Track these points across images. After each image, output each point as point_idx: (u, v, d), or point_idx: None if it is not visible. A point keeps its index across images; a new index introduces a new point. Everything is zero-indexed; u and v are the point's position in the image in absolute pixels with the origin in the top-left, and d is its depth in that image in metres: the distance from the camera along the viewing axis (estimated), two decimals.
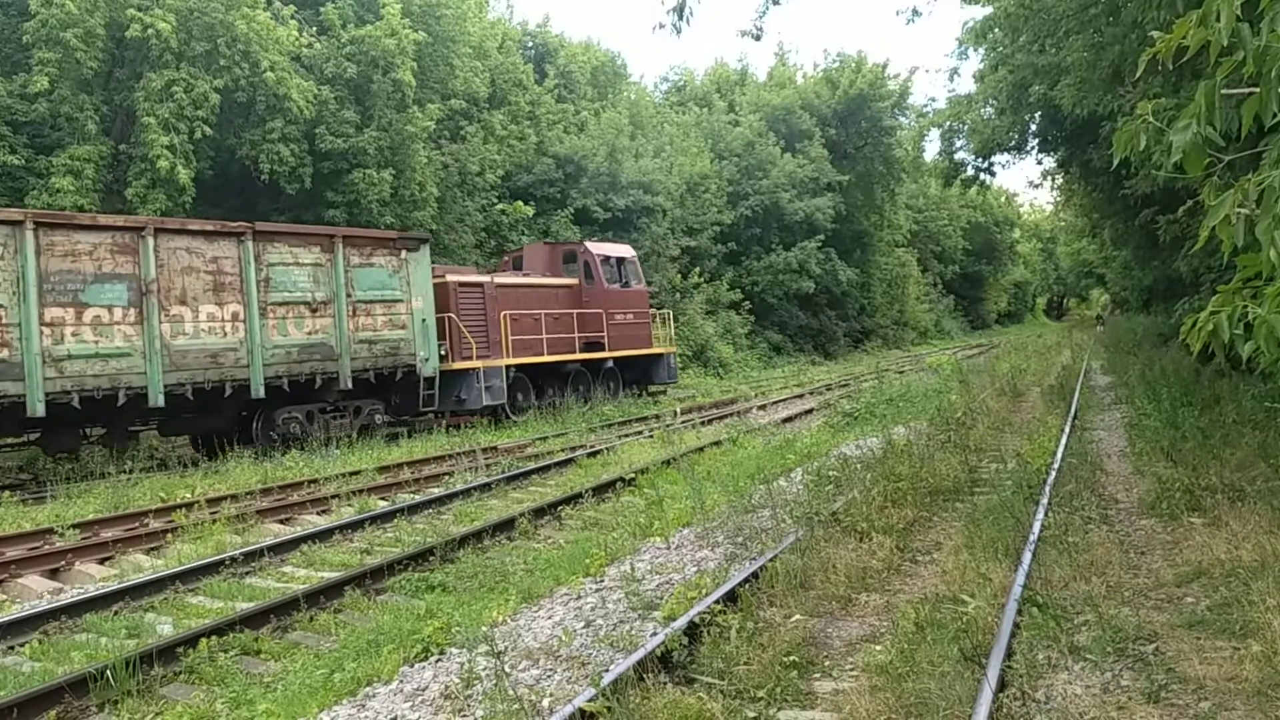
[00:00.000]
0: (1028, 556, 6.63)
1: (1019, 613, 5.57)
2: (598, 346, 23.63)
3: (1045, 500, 8.39)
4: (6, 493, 13.38)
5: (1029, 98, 19.94)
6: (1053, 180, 31.40)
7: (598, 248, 24.46)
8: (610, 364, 23.90)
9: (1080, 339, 43.95)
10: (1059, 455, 10.89)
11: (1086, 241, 48.02)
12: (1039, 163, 28.24)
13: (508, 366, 20.83)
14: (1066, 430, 13.10)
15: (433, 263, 21.30)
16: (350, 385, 17.69)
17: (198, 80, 20.29)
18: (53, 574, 9.43)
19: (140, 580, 8.54)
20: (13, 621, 7.47)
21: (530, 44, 40.90)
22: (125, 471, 14.24)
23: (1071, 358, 30.71)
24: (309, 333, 17.21)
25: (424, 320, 19.02)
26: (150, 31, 19.45)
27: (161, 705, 6.07)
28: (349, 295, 17.83)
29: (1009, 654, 5.04)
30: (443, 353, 19.70)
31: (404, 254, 18.88)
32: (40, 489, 13.95)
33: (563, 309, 23.00)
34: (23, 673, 6.67)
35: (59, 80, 19.32)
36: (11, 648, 7.18)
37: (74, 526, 10.66)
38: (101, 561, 9.81)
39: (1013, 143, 24.29)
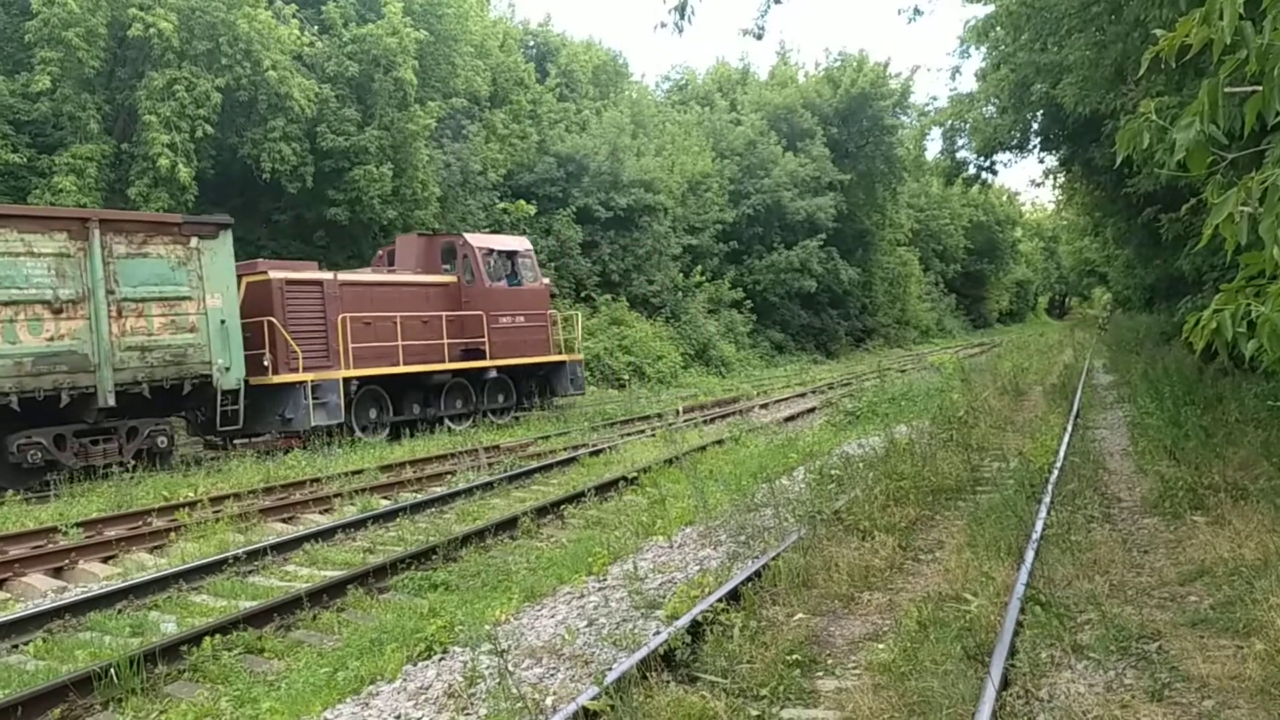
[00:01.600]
0: (1030, 555, 6.64)
1: (1022, 611, 5.57)
2: (478, 354, 20.67)
3: (1048, 499, 8.39)
4: (10, 491, 13.40)
5: (1031, 96, 19.90)
6: (1055, 179, 31.34)
7: (480, 239, 21.59)
8: (494, 374, 20.95)
9: (1082, 338, 43.93)
10: (1061, 454, 10.90)
11: (1088, 240, 47.92)
12: (1041, 161, 28.26)
13: (347, 379, 17.85)
14: (1069, 429, 13.10)
15: (276, 256, 20.09)
16: (112, 401, 14.63)
17: (199, 79, 20.31)
18: (57, 572, 9.44)
19: (144, 579, 8.56)
20: (16, 620, 7.48)
21: (532, 43, 40.92)
22: (129, 470, 14.24)
23: (1074, 356, 30.69)
24: (49, 338, 14.11)
25: (223, 322, 15.97)
26: (152, 30, 19.46)
27: (166, 703, 6.08)
28: (111, 292, 14.69)
29: (1012, 652, 5.05)
30: (266, 364, 16.94)
31: (195, 242, 15.77)
32: (44, 488, 13.96)
33: (434, 311, 20.07)
34: (27, 671, 6.69)
35: (61, 79, 19.34)
36: (15, 646, 7.19)
37: (78, 525, 10.66)
38: (105, 560, 9.83)
39: (1015, 141, 24.24)
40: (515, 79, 34.35)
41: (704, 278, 40.20)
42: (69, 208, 17.77)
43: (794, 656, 5.37)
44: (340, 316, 18.04)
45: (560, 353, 22.82)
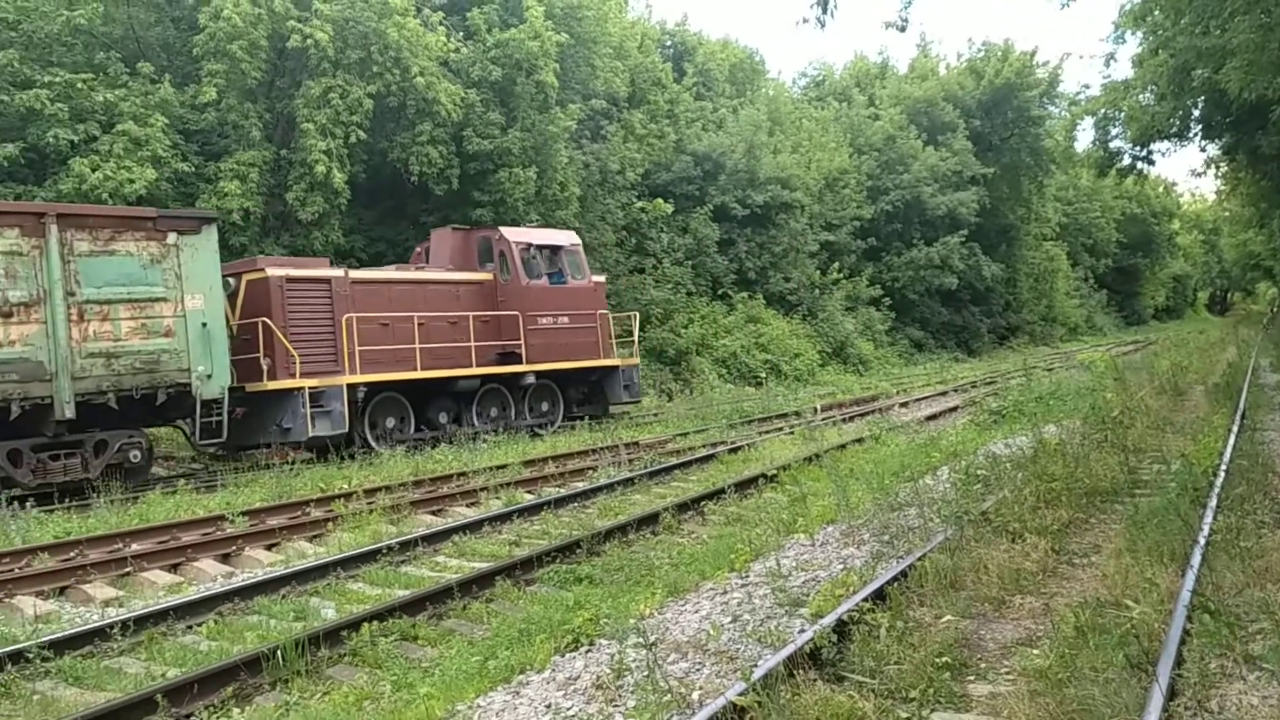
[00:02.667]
0: (1196, 560, 6.35)
1: (1188, 619, 5.34)
2: (515, 358, 19.16)
3: (1213, 503, 8.01)
4: (182, 481, 14.22)
5: (1191, 82, 19.06)
6: (1216, 168, 29.94)
7: (517, 233, 19.88)
8: (532, 380, 19.28)
9: (1246, 335, 41.65)
10: (1227, 456, 10.38)
11: (1253, 232, 45.58)
12: (1202, 150, 27.10)
13: (352, 385, 16.37)
14: (1234, 430, 12.45)
15: (292, 252, 19.43)
16: (71, 413, 13.30)
17: (352, 87, 21.10)
18: (225, 558, 9.97)
19: (305, 566, 8.99)
20: (191, 602, 7.95)
21: (669, 43, 41.08)
22: (288, 463, 14.91)
23: (1237, 354, 29.11)
24: None
25: (205, 325, 14.55)
26: (309, 41, 20.33)
27: (328, 685, 6.37)
28: (71, 294, 13.44)
29: (1179, 661, 4.85)
30: (265, 368, 15.86)
31: (172, 238, 14.36)
32: (211, 478, 14.75)
33: (466, 311, 18.58)
34: (200, 651, 7.09)
35: (226, 90, 20.37)
36: (190, 627, 7.63)
37: (243, 514, 11.23)
38: (268, 547, 10.33)
39: (1173, 130, 23.28)
40: (653, 79, 34.55)
41: (841, 275, 39.69)
42: (22, 202, 16.43)
43: (943, 659, 5.27)
44: (345, 317, 16.72)
45: (613, 357, 21.12)
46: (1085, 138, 56.84)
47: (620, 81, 29.45)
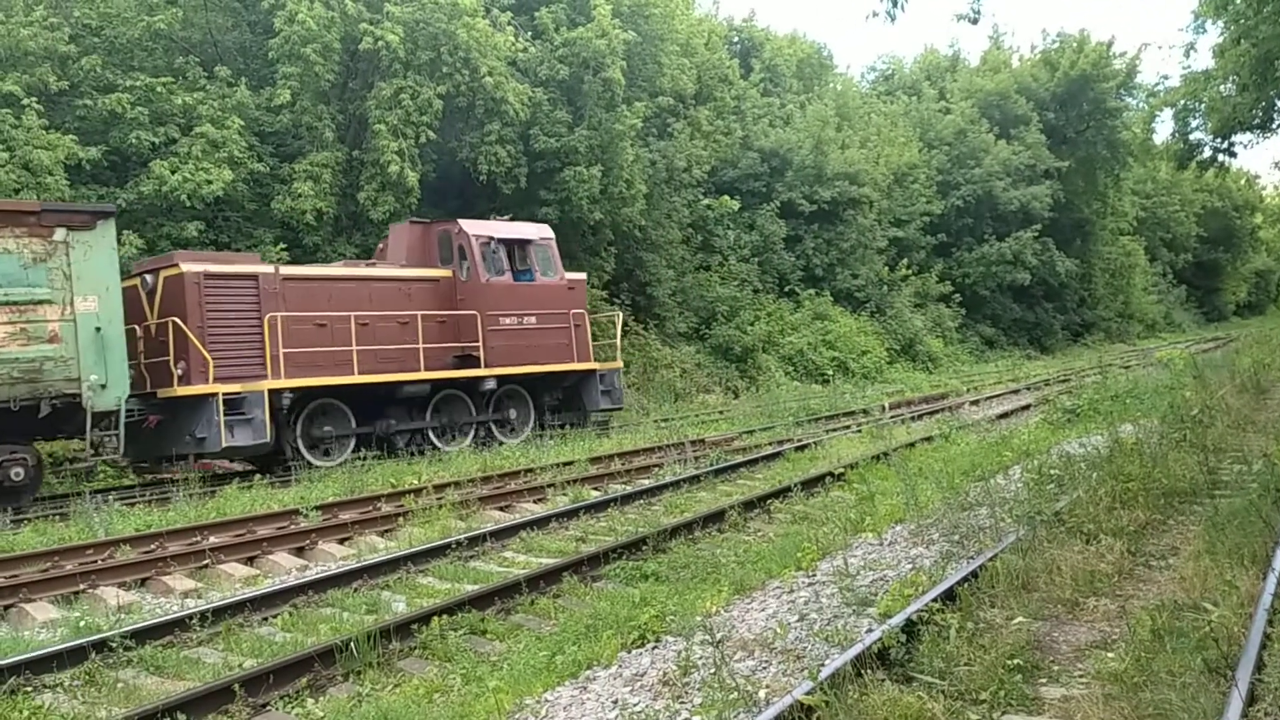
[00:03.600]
0: (1278, 563, 6.18)
1: (1269, 623, 5.20)
2: (474, 361, 17.68)
3: None
4: (258, 475, 14.54)
5: (1275, 72, 18.52)
6: None
7: (478, 226, 18.28)
8: (492, 384, 17.72)
9: None
10: None
11: None
12: None
13: (276, 391, 15.05)
14: None
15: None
16: None
17: (423, 87, 21.37)
18: (299, 551, 10.18)
19: (376, 560, 9.13)
20: (267, 595, 8.13)
21: (736, 39, 40.97)
22: (360, 458, 15.15)
23: None
24: None
25: (98, 329, 13.07)
26: (380, 43, 20.64)
27: (399, 678, 6.47)
28: None
29: (1259, 666, 4.72)
30: (179, 372, 14.48)
31: (61, 234, 12.91)
32: (286, 473, 15.06)
33: (419, 310, 17.17)
34: (276, 642, 7.25)
35: (300, 92, 20.77)
36: (265, 619, 7.80)
37: (316, 508, 11.45)
38: (341, 541, 10.52)
39: (1256, 120, 22.63)
40: (719, 76, 34.46)
41: (910, 271, 39.24)
42: None
43: (1015, 661, 5.19)
44: (270, 316, 15.40)
45: (591, 360, 19.49)
46: (1164, 130, 55.49)
47: (687, 78, 29.42)
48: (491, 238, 18.05)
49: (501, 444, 17.53)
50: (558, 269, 19.18)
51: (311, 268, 17.90)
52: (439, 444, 17.08)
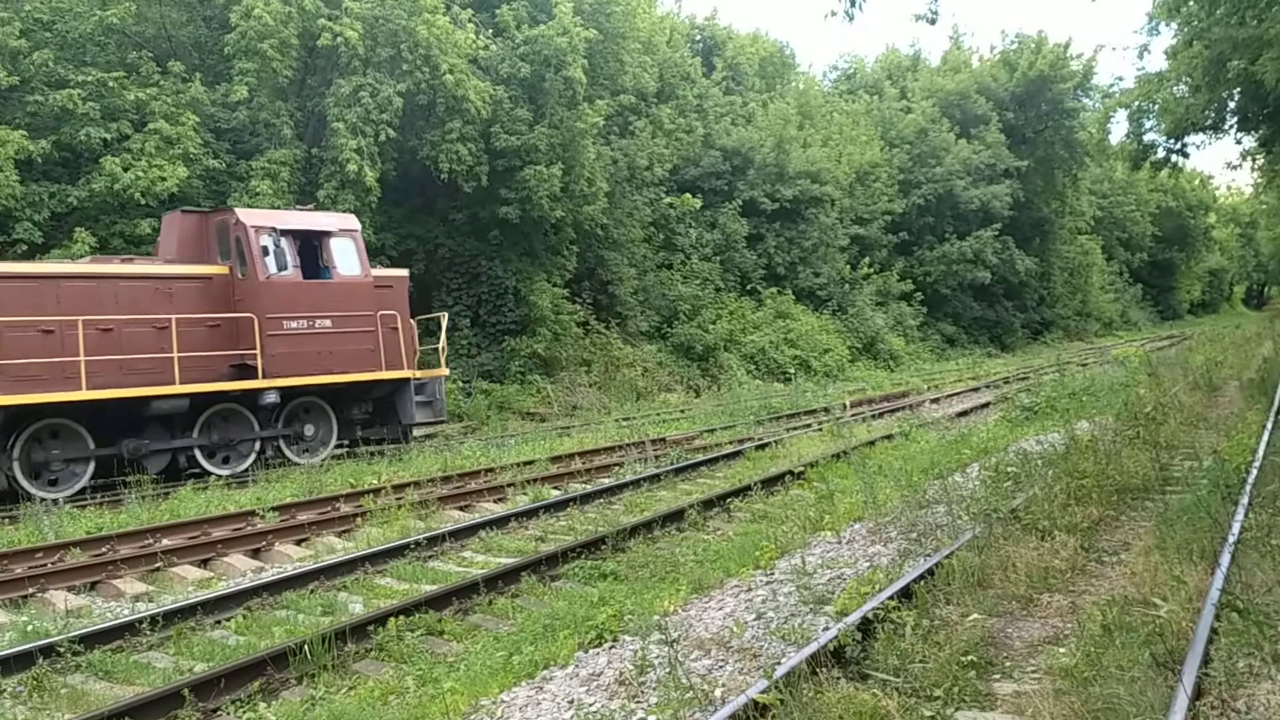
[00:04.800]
0: (1226, 559, 6.27)
1: (1216, 618, 5.28)
2: (252, 371, 15.30)
3: (1245, 500, 7.90)
4: (214, 476, 14.36)
5: (1227, 73, 18.79)
6: (1253, 161, 29.53)
7: (257, 216, 15.85)
8: (273, 397, 15.27)
9: None
10: (1260, 453, 10.23)
11: None
12: (1238, 142, 26.71)
13: None
14: (1269, 427, 12.27)
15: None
16: None
17: (382, 85, 21.19)
18: (255, 553, 10.05)
19: (333, 561, 9.04)
20: (220, 597, 8.02)
21: (698, 37, 41.01)
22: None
23: (1274, 350, 28.69)
24: None
25: None
26: (339, 40, 20.44)
27: (355, 680, 6.41)
28: None
29: (1206, 660, 4.79)
30: None
31: None
32: (243, 474, 14.88)
33: (187, 312, 14.81)
34: (229, 645, 7.16)
35: (257, 89, 20.53)
36: (219, 622, 7.70)
37: (273, 509, 11.32)
38: (298, 543, 10.41)
39: (1209, 122, 22.99)
40: (682, 74, 34.50)
41: (872, 270, 39.52)
42: None
43: (969, 658, 5.24)
44: None
45: (406, 367, 17.02)
46: (1119, 130, 56.15)
47: (649, 77, 29.41)
48: (274, 228, 15.53)
49: (296, 464, 15.40)
50: (362, 264, 16.55)
51: (35, 264, 15.63)
52: (209, 466, 14.83)
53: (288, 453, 15.83)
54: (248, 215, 15.58)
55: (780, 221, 35.81)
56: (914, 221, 43.51)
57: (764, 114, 37.65)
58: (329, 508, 11.77)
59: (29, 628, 7.49)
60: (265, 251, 15.30)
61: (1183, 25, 20.97)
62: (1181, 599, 5.67)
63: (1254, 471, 9.10)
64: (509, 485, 12.74)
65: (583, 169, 25.03)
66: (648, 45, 30.18)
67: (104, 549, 9.77)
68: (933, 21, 12.86)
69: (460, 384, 22.69)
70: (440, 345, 18.24)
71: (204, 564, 9.66)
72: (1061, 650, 5.36)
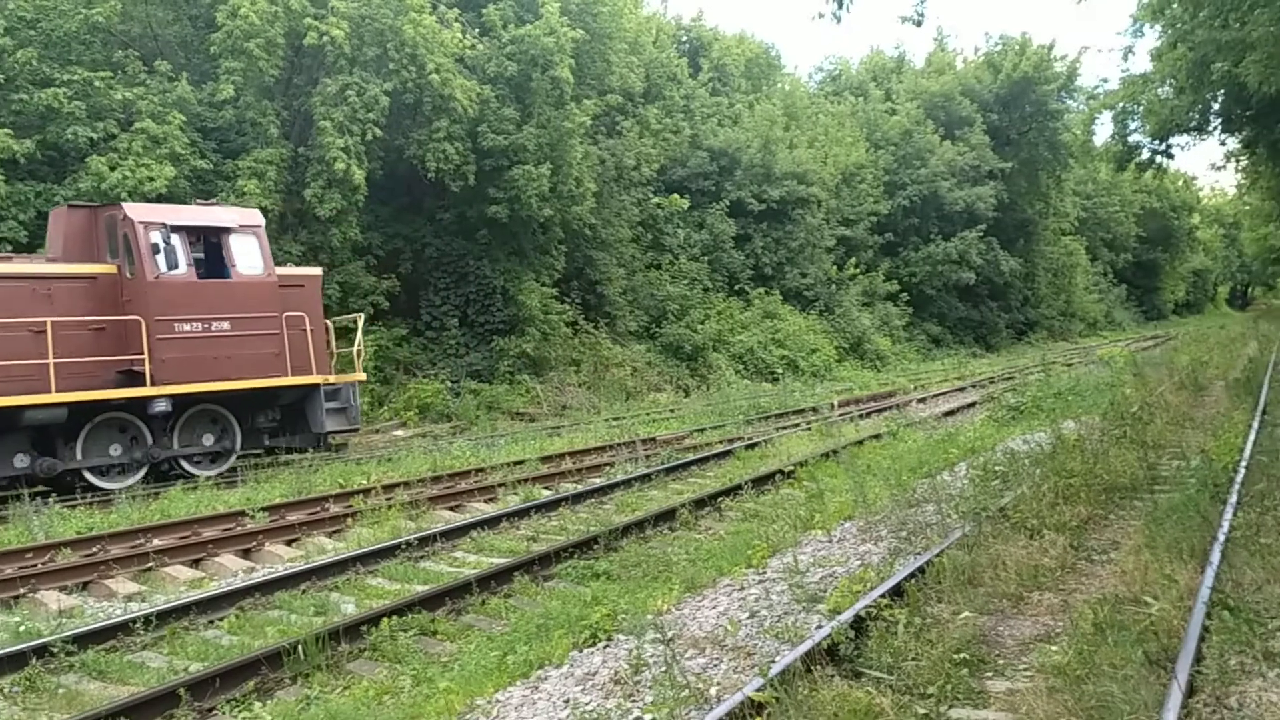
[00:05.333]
0: (1216, 557, 6.33)
1: (1208, 616, 5.33)
2: (140, 378, 14.17)
3: (1234, 499, 7.98)
4: (202, 476, 14.31)
5: (1211, 75, 18.92)
6: (1237, 162, 29.75)
7: (147, 211, 14.67)
8: (164, 405, 14.15)
9: (1268, 330, 41.34)
10: (1247, 452, 10.33)
11: (1274, 226, 45.25)
12: (1222, 144, 26.93)
13: None
14: (1255, 426, 12.38)
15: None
16: None
17: (369, 84, 21.14)
18: (245, 554, 10.03)
19: (324, 561, 9.03)
20: (212, 597, 8.01)
21: (684, 38, 41.03)
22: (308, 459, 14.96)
23: (1259, 349, 28.92)
24: None
25: None
26: (326, 39, 20.36)
27: (349, 679, 6.42)
28: None
29: (1198, 658, 4.85)
30: None
31: None
32: (232, 474, 14.84)
33: (66, 314, 13.78)
34: (222, 645, 7.15)
35: (244, 88, 20.44)
36: (211, 622, 7.69)
37: (263, 509, 11.30)
38: (289, 543, 10.39)
39: (1193, 123, 23.14)
40: (668, 74, 34.52)
41: (858, 270, 39.62)
42: None
43: (961, 655, 5.28)
44: None
45: (315, 372, 15.87)
46: (1104, 132, 56.47)
47: (635, 77, 29.42)
48: (165, 224, 14.35)
49: (194, 478, 14.49)
50: (265, 262, 15.38)
51: None
52: (93, 479, 13.95)
53: (186, 465, 14.89)
54: (135, 210, 14.56)
55: (767, 222, 35.88)
56: (899, 222, 43.65)
57: (750, 115, 37.71)
58: (319, 508, 11.75)
59: (21, 628, 7.47)
60: (155, 249, 14.22)
61: (1167, 27, 21.10)
62: (1172, 597, 5.72)
63: (1241, 470, 9.19)
64: (500, 485, 12.75)
65: (570, 169, 25.02)
66: (634, 46, 30.19)
67: (95, 549, 9.74)
68: (919, 23, 12.95)
69: (449, 384, 22.66)
70: (356, 349, 16.86)
71: (195, 564, 9.64)
72: (1054, 648, 5.41)
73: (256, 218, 15.86)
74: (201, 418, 15.18)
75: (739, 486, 11.63)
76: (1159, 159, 27.71)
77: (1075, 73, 50.84)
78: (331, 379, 16.15)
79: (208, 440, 15.25)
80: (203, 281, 14.82)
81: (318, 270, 17.47)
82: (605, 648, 6.25)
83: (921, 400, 23.37)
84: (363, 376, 17.08)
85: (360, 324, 17.57)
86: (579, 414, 22.92)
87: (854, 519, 9.19)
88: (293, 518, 11.15)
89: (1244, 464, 9.56)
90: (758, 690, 4.74)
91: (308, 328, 15.83)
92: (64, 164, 19.10)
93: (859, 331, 37.33)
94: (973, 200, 44.05)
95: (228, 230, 15.15)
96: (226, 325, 14.89)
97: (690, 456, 14.75)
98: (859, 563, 7.65)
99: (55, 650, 6.63)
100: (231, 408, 15.42)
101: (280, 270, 16.11)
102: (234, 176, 20.15)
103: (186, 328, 14.51)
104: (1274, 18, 12.19)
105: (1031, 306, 53.18)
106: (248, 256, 15.22)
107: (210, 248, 15.16)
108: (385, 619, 7.06)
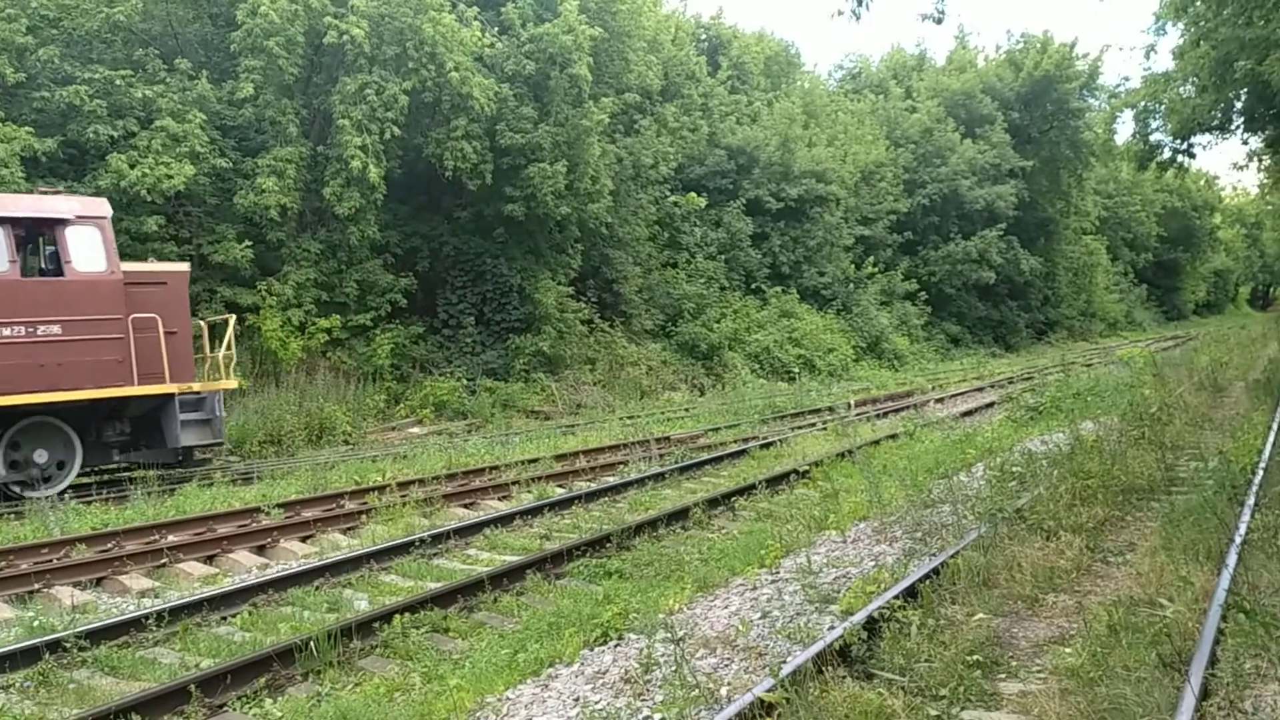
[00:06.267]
0: (1233, 559, 6.26)
1: (1223, 618, 5.27)
2: None
3: (1251, 501, 7.90)
4: (219, 473, 14.38)
5: (1234, 74, 18.72)
6: (1260, 161, 29.44)
7: None
8: None
9: None
10: (1266, 453, 10.22)
11: None
12: (1244, 143, 26.64)
13: None
14: (1275, 427, 12.26)
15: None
16: None
17: (388, 83, 21.19)
18: (260, 550, 10.06)
19: (338, 558, 9.05)
20: (226, 594, 8.02)
21: (703, 36, 40.99)
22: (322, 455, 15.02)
23: (1279, 350, 28.66)
24: None
25: None
26: (345, 38, 20.43)
27: (360, 676, 6.42)
28: None
29: (1213, 661, 4.79)
30: None
31: None
32: (248, 470, 14.91)
33: None
34: (234, 641, 7.16)
35: (263, 86, 20.53)
36: (224, 618, 7.71)
37: (278, 506, 11.32)
38: (303, 539, 10.40)
39: (1215, 122, 22.93)
40: (687, 73, 34.47)
41: (877, 269, 39.48)
42: None
43: (975, 657, 5.24)
44: None
45: (169, 380, 14.12)
46: (1125, 130, 56.14)
47: (654, 75, 29.39)
48: None
49: (23, 499, 12.90)
50: (110, 258, 13.68)
51: None
52: None
53: (9, 485, 13.15)
54: None
55: (785, 220, 35.79)
56: (919, 221, 43.46)
57: (769, 113, 37.62)
58: (334, 504, 11.77)
59: (35, 623, 7.50)
60: None
61: (1189, 25, 20.92)
62: (1188, 599, 5.67)
63: (1260, 472, 9.10)
64: (513, 483, 12.75)
65: (587, 167, 25.01)
66: (653, 44, 30.16)
67: (109, 545, 9.80)
68: (939, 21, 12.84)
69: (465, 382, 22.70)
70: (220, 354, 15.11)
71: (209, 560, 9.67)
72: (1067, 650, 5.36)
73: (101, 207, 14.08)
74: (34, 433, 13.42)
75: (753, 486, 11.59)
76: (1180, 158, 27.48)
77: (1097, 71, 50.47)
78: (195, 387, 14.46)
79: (40, 457, 13.41)
80: (28, 280, 13.18)
81: (183, 266, 15.64)
82: (616, 646, 6.24)
83: (939, 400, 23.26)
84: (233, 384, 15.43)
85: (231, 326, 15.76)
86: (594, 412, 22.93)
87: (869, 519, 9.14)
88: (308, 514, 11.19)
89: (1263, 466, 9.47)
90: (768, 690, 4.71)
91: (161, 330, 14.13)
92: (84, 162, 19.23)
93: (877, 331, 37.19)
94: (993, 199, 43.82)
95: (62, 222, 13.36)
96: (57, 329, 13.22)
97: (704, 456, 14.72)
98: (873, 563, 7.61)
99: (68, 646, 6.65)
100: (71, 420, 13.69)
101: (137, 266, 14.72)
102: (253, 174, 20.26)
103: (6, 332, 12.84)
104: None
105: (1052, 306, 52.87)
106: (88, 251, 13.51)
107: (39, 242, 13.73)
108: (398, 616, 7.06)
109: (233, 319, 16.18)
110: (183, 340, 14.67)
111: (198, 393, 14.47)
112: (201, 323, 15.84)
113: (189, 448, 14.71)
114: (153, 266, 15.18)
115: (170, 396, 14.13)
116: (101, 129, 18.68)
